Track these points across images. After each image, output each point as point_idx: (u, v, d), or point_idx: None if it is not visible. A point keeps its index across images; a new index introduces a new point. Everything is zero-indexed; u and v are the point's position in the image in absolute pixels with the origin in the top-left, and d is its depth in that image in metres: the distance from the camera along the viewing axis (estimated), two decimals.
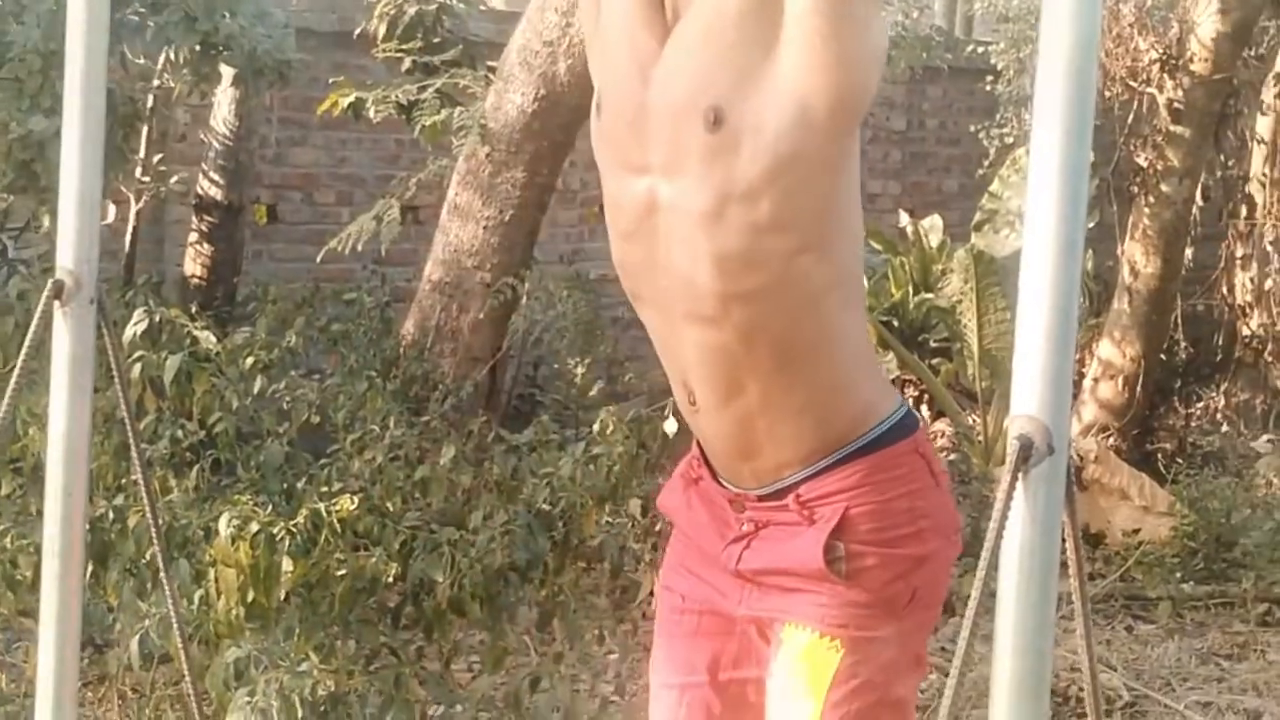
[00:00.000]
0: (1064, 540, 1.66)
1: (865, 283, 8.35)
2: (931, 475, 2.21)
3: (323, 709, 3.32)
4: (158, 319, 4.46)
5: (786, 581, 2.18)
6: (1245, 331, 8.95)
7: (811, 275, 2.08)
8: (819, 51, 1.97)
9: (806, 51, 1.98)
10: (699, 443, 2.30)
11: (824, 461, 2.16)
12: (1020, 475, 1.61)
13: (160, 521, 2.97)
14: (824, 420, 2.15)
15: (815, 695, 2.15)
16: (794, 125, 2.00)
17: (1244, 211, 8.83)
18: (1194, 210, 7.59)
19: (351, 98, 6.30)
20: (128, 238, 6.98)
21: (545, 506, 4.18)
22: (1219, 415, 8.69)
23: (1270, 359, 8.84)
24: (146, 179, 6.88)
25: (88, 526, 2.91)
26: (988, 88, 8.24)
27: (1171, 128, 7.36)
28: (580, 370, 7.97)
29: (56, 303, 2.62)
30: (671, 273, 2.13)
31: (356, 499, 3.82)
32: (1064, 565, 1.67)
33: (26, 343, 2.61)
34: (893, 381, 8.49)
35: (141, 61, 6.42)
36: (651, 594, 4.91)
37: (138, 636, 3.61)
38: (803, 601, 2.17)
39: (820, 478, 2.16)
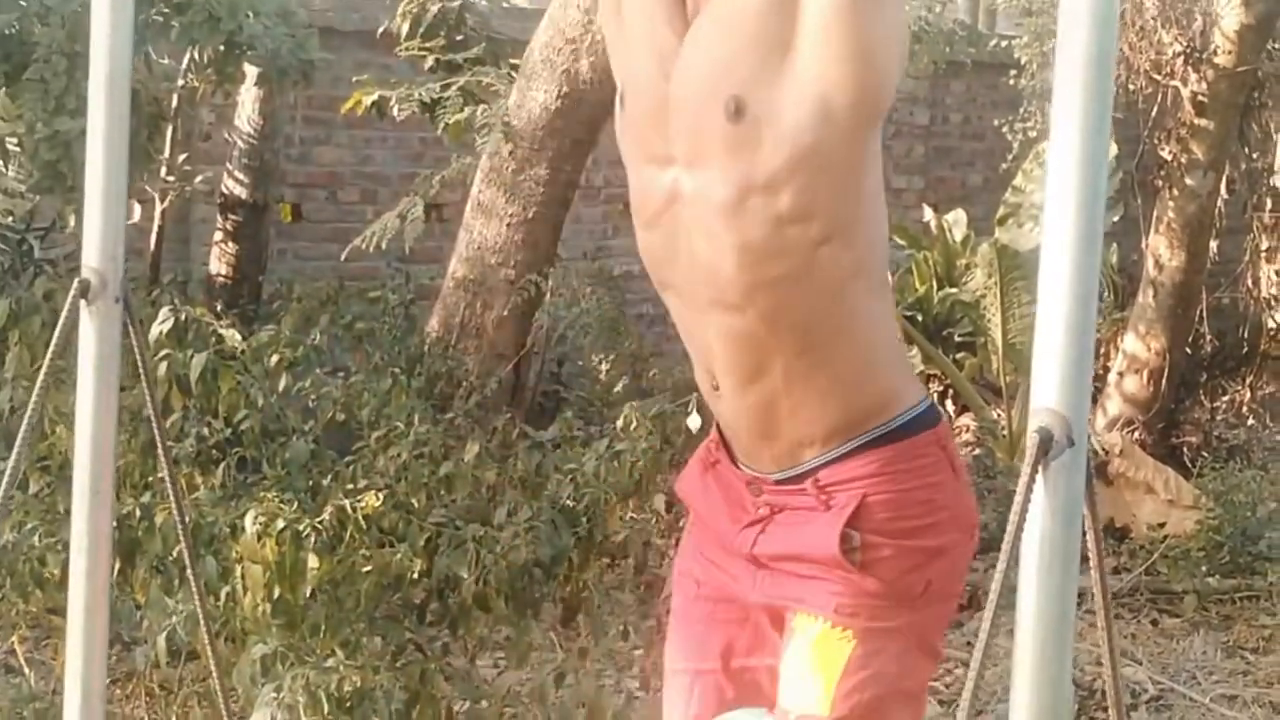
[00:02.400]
0: (1085, 532, 1.66)
1: (890, 275, 8.39)
2: (952, 469, 2.21)
3: (349, 705, 3.33)
4: (183, 318, 4.48)
5: (800, 568, 2.18)
6: (1271, 324, 8.92)
7: (835, 263, 2.09)
8: (836, 45, 1.98)
9: (823, 45, 1.98)
10: (719, 426, 2.31)
11: (844, 446, 2.16)
12: (1040, 468, 1.61)
13: (187, 519, 2.99)
14: (846, 405, 2.15)
15: (826, 685, 2.15)
16: (814, 118, 2.00)
17: (1269, 204, 8.79)
18: (1218, 203, 7.54)
19: (375, 96, 6.33)
20: (153, 237, 7.00)
21: (569, 502, 4.19)
22: (1244, 409, 8.65)
23: None
24: (171, 178, 6.90)
25: (115, 524, 2.93)
26: (1011, 82, 8.20)
27: (1196, 121, 7.33)
28: (604, 366, 7.97)
29: (83, 301, 2.63)
30: (696, 262, 2.14)
31: (381, 495, 3.83)
32: (1085, 558, 1.67)
33: (54, 342, 2.63)
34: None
35: (166, 62, 6.45)
36: None
37: (165, 633, 3.63)
38: (816, 589, 2.17)
39: (840, 463, 2.16)
